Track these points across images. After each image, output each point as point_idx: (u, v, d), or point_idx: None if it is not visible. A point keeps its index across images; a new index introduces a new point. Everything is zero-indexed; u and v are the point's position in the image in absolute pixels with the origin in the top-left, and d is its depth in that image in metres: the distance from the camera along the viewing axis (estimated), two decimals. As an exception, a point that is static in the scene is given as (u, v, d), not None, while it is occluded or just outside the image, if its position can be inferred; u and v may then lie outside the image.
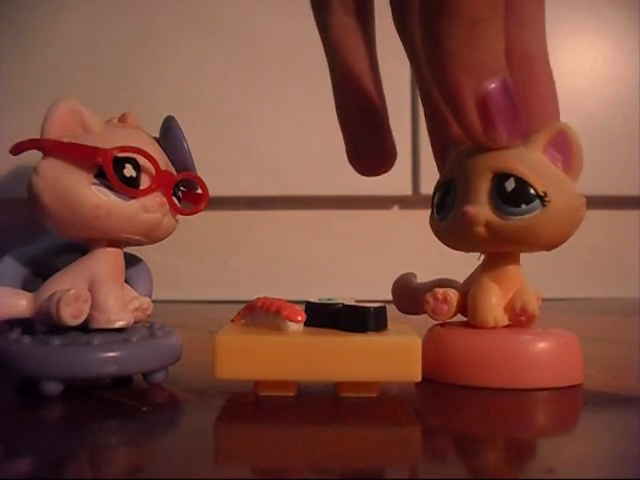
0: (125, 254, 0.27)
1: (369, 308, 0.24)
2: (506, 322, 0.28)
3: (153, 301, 0.28)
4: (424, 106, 0.31)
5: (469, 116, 0.24)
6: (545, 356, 0.26)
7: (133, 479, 0.17)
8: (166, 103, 0.70)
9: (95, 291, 0.25)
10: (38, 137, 0.25)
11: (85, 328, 0.25)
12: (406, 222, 0.74)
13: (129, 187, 0.25)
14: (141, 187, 0.25)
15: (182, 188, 0.28)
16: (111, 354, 0.24)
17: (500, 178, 0.26)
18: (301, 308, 0.25)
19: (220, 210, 0.73)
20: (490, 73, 0.24)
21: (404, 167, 0.71)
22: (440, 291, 0.28)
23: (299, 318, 0.24)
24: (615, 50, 0.73)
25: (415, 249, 0.72)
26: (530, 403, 0.24)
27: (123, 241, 0.26)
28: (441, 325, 0.29)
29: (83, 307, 0.24)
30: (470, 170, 0.27)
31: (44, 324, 0.25)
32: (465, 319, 0.29)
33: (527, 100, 0.26)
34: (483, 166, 0.26)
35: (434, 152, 0.32)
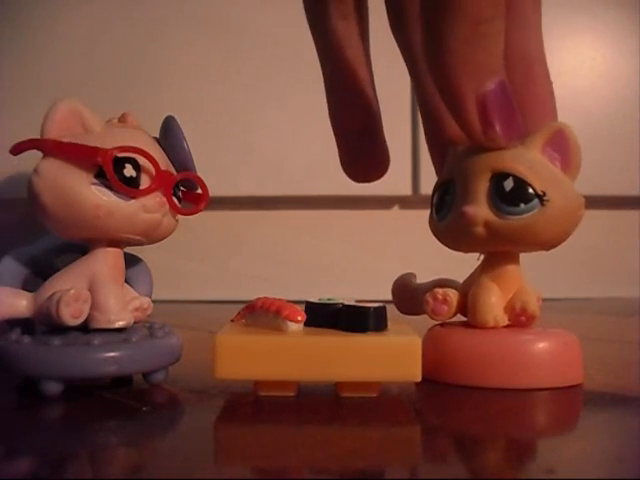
0: (125, 254, 0.27)
1: (369, 308, 0.24)
2: (506, 322, 0.28)
3: (153, 301, 0.28)
4: (421, 109, 0.31)
5: (470, 116, 0.24)
6: (545, 356, 0.26)
7: (133, 479, 0.17)
8: (167, 103, 0.70)
9: (95, 291, 0.25)
10: (38, 137, 0.25)
11: (85, 328, 0.25)
12: (406, 222, 0.74)
13: (129, 187, 0.25)
14: (141, 187, 0.25)
15: (182, 188, 0.28)
16: (111, 354, 0.24)
17: (499, 178, 0.26)
18: (301, 308, 0.25)
19: (220, 210, 0.73)
20: (490, 73, 0.24)
21: (404, 167, 0.71)
22: (440, 291, 0.28)
23: (299, 318, 0.24)
24: (615, 50, 0.73)
25: (415, 249, 0.72)
26: (530, 403, 0.24)
27: (123, 241, 0.26)
28: (441, 325, 0.29)
29: (83, 307, 0.24)
30: (469, 170, 0.27)
31: (44, 324, 0.25)
32: (465, 319, 0.29)
33: (524, 100, 0.26)
34: (482, 166, 0.26)
35: (432, 156, 0.31)
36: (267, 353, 0.23)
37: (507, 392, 0.25)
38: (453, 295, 0.28)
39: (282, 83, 0.72)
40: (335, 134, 0.32)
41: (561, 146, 0.26)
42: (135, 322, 0.26)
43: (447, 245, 0.29)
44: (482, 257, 0.29)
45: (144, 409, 0.23)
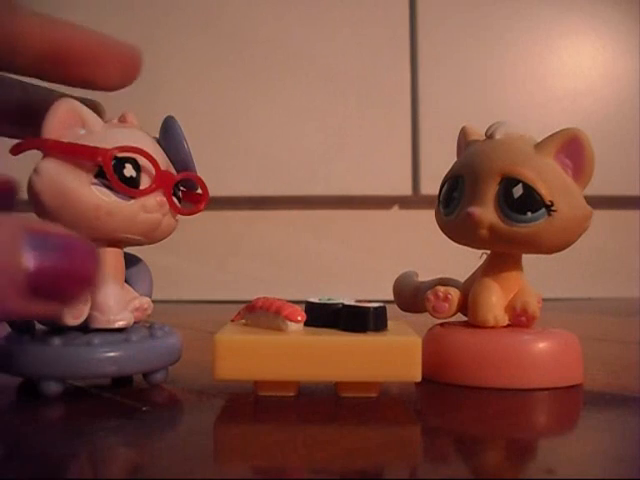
0: (125, 254, 0.27)
1: (369, 308, 0.24)
2: (506, 322, 0.28)
3: (153, 301, 0.28)
4: None
5: None
6: (545, 356, 0.26)
7: (133, 479, 0.17)
8: (166, 103, 0.70)
9: (95, 291, 0.25)
10: (38, 137, 0.25)
11: (85, 328, 0.25)
12: (406, 222, 0.74)
13: (129, 187, 0.25)
14: (141, 187, 0.25)
15: (182, 188, 0.28)
16: (111, 354, 0.24)
17: (508, 183, 0.26)
18: (301, 308, 0.25)
19: (219, 210, 0.73)
20: None
21: (404, 167, 0.71)
22: (441, 289, 0.28)
23: (299, 318, 0.24)
24: (615, 50, 0.73)
25: (415, 249, 0.72)
26: (530, 403, 0.24)
27: (123, 241, 0.26)
28: (441, 325, 0.29)
29: (83, 308, 0.24)
30: (479, 169, 0.27)
31: (44, 323, 0.25)
32: (465, 319, 0.29)
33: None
34: (492, 168, 0.26)
35: None
36: (267, 353, 0.23)
37: (507, 392, 0.25)
38: (454, 293, 0.28)
39: (282, 84, 0.72)
40: None
41: (575, 153, 0.26)
42: (135, 322, 0.26)
43: (452, 240, 0.29)
44: (484, 257, 0.29)
45: (144, 409, 0.23)
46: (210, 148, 0.70)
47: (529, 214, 0.25)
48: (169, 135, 0.27)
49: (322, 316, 0.25)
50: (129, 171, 0.25)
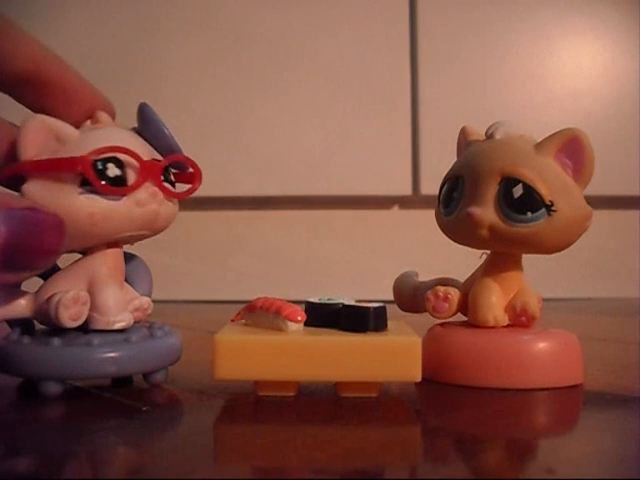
0: (125, 254, 0.27)
1: (369, 308, 0.24)
2: (506, 322, 0.28)
3: (153, 301, 0.28)
4: None
5: None
6: (545, 356, 0.26)
7: (133, 479, 0.17)
8: (167, 102, 0.70)
9: (94, 292, 0.25)
10: (15, 162, 0.24)
11: (85, 328, 0.25)
12: (406, 222, 0.74)
13: (116, 186, 0.24)
14: (129, 183, 0.25)
15: (173, 171, 0.27)
16: (111, 354, 0.24)
17: (508, 183, 0.26)
18: (301, 308, 0.25)
19: (220, 210, 0.73)
20: None
21: (404, 167, 0.71)
22: (441, 289, 0.28)
23: (299, 318, 0.24)
24: (615, 50, 0.73)
25: (415, 249, 0.72)
26: (530, 403, 0.24)
27: (126, 240, 0.26)
28: (441, 325, 0.29)
29: (82, 309, 0.24)
30: (479, 169, 0.27)
31: (44, 324, 0.25)
32: (465, 319, 0.29)
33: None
34: (492, 168, 0.26)
35: None
36: (267, 353, 0.23)
37: (507, 392, 0.25)
38: (454, 293, 0.28)
39: (282, 83, 0.72)
40: None
41: (575, 153, 0.26)
42: (135, 322, 0.26)
43: (452, 240, 0.29)
44: (484, 257, 0.29)
45: (144, 409, 0.23)
46: (211, 148, 0.70)
47: (529, 214, 0.25)
48: (147, 123, 0.26)
49: (322, 316, 0.25)
50: (112, 171, 0.24)
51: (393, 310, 0.27)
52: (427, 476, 0.17)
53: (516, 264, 0.28)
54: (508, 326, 0.28)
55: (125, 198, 0.25)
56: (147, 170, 0.25)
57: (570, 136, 0.26)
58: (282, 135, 0.72)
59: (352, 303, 0.25)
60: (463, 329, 0.28)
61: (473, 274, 0.29)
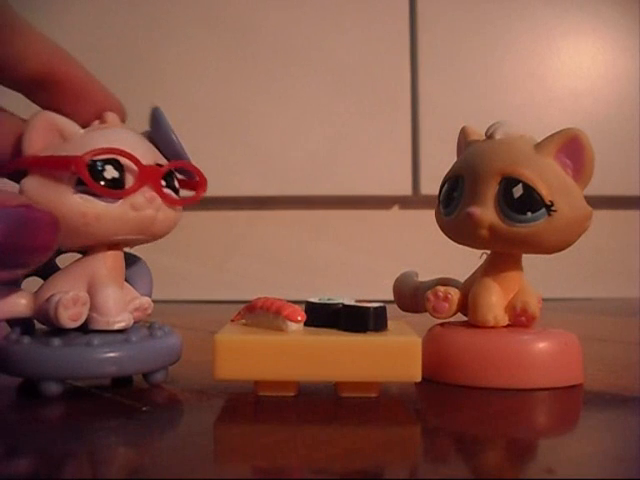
0: (125, 254, 0.27)
1: (369, 308, 0.24)
2: (506, 322, 0.28)
3: (153, 301, 0.28)
4: None
5: None
6: (545, 356, 0.26)
7: (133, 479, 0.17)
8: (168, 102, 0.70)
9: (94, 292, 0.25)
10: (18, 157, 0.24)
11: (85, 328, 0.25)
12: (406, 222, 0.74)
13: (113, 189, 0.24)
14: (127, 186, 0.25)
15: (179, 177, 0.27)
16: (111, 354, 0.24)
17: (508, 183, 0.26)
18: (301, 308, 0.25)
19: (220, 210, 0.73)
20: None
21: (404, 167, 0.71)
22: (441, 289, 0.28)
23: (299, 318, 0.24)
24: (615, 50, 0.73)
25: (415, 249, 0.72)
26: (530, 403, 0.24)
27: (121, 243, 0.26)
28: (441, 325, 0.29)
29: (82, 310, 0.24)
30: (479, 169, 0.27)
31: (43, 323, 0.25)
32: (465, 319, 0.29)
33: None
34: (492, 168, 0.26)
35: None
36: (267, 353, 0.23)
37: (507, 392, 0.25)
38: (454, 293, 0.28)
39: (282, 83, 0.72)
40: None
41: (575, 153, 0.26)
42: (135, 322, 0.26)
43: (452, 240, 0.29)
44: (484, 257, 0.29)
45: (144, 409, 0.23)
46: (211, 148, 0.70)
47: (529, 214, 0.25)
48: (156, 127, 0.26)
49: (322, 316, 0.25)
50: (110, 173, 0.24)
51: (393, 310, 0.27)
52: (427, 476, 0.17)
53: (516, 264, 0.28)
54: (508, 326, 0.28)
55: (121, 201, 0.24)
56: (145, 174, 0.25)
57: (570, 136, 0.26)
58: (282, 135, 0.72)
59: (352, 303, 0.25)
60: (463, 329, 0.28)
61: (473, 274, 0.29)
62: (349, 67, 0.72)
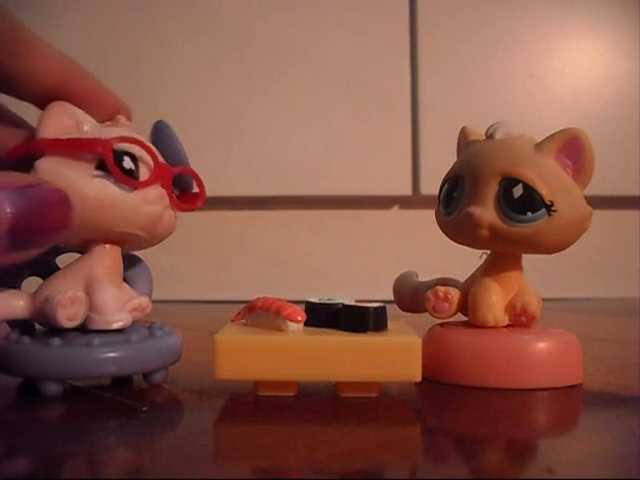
0: (125, 254, 0.27)
1: (369, 308, 0.24)
2: (506, 322, 0.28)
3: (153, 301, 0.28)
4: None
5: None
6: (545, 356, 0.26)
7: (133, 479, 0.17)
8: (166, 104, 0.70)
9: (92, 292, 0.25)
10: (34, 139, 0.25)
11: (85, 328, 0.25)
12: (406, 222, 0.74)
13: (129, 178, 0.25)
14: (140, 180, 0.25)
15: (179, 188, 0.28)
16: (111, 354, 0.24)
17: (508, 183, 0.26)
18: (301, 308, 0.25)
19: (220, 210, 0.73)
20: None
21: (404, 167, 0.71)
22: (441, 289, 0.28)
23: (299, 318, 0.24)
24: (615, 50, 0.73)
25: (415, 249, 0.72)
26: (530, 403, 0.24)
27: (126, 238, 0.26)
28: (441, 325, 0.29)
29: (79, 310, 0.24)
30: (479, 169, 0.27)
31: (42, 324, 0.25)
32: (465, 319, 0.29)
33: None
34: (492, 168, 0.26)
35: None
36: (267, 353, 0.23)
37: (507, 392, 0.25)
38: (454, 293, 0.28)
39: (282, 83, 0.72)
40: None
41: (575, 153, 0.26)
42: (134, 322, 0.26)
43: (452, 240, 0.29)
44: (484, 257, 0.29)
45: (144, 409, 0.23)
46: (210, 148, 0.70)
47: (529, 214, 0.25)
48: (161, 139, 0.27)
49: (322, 316, 0.25)
50: (128, 164, 0.25)
51: (393, 310, 0.27)
52: (427, 476, 0.17)
53: (516, 264, 0.28)
54: (508, 326, 0.28)
55: (135, 192, 0.25)
56: (160, 171, 0.25)
57: (570, 136, 0.26)
58: (281, 135, 0.72)
59: (352, 303, 0.25)
60: (463, 329, 0.28)
61: (473, 274, 0.29)
62: (349, 67, 0.72)
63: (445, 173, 0.29)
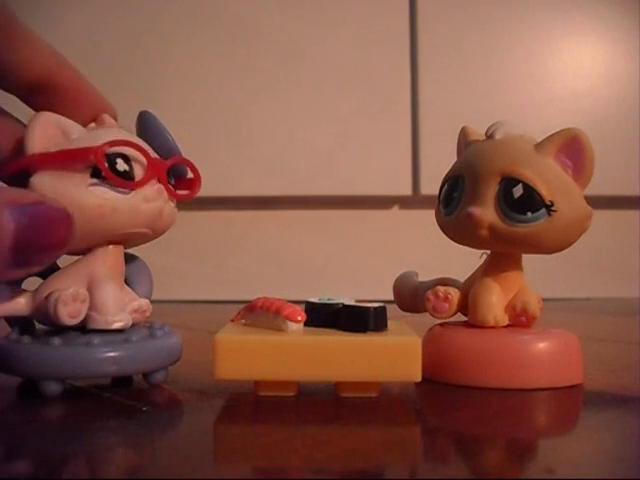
0: (126, 254, 0.27)
1: (369, 308, 0.24)
2: (506, 322, 0.28)
3: (153, 301, 0.28)
4: None
5: None
6: (545, 356, 0.26)
7: (133, 479, 0.17)
8: (168, 102, 0.70)
9: (93, 291, 0.25)
10: (24, 155, 0.24)
11: (85, 328, 0.25)
12: (406, 222, 0.74)
13: (125, 180, 0.25)
14: (137, 179, 0.25)
15: (174, 176, 0.28)
16: (111, 354, 0.24)
17: (508, 183, 0.26)
18: (301, 308, 0.25)
19: (220, 210, 0.73)
20: None
21: (404, 167, 0.71)
22: (441, 289, 0.28)
23: (299, 318, 0.24)
24: (615, 51, 0.73)
25: (415, 249, 0.72)
26: (530, 403, 0.24)
27: (131, 238, 0.26)
28: (441, 325, 0.29)
29: (81, 307, 0.24)
30: (479, 169, 0.27)
31: (42, 322, 0.25)
32: (465, 319, 0.29)
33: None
34: (492, 168, 0.26)
35: None
36: (267, 353, 0.23)
37: (507, 392, 0.25)
38: (454, 293, 0.28)
39: (282, 83, 0.72)
40: None
41: (575, 153, 0.26)
42: (134, 324, 0.26)
43: (452, 240, 0.29)
44: (484, 257, 0.29)
45: (144, 409, 0.23)
46: (211, 148, 0.70)
47: (529, 214, 0.25)
48: (149, 128, 0.27)
49: (322, 316, 0.25)
50: (121, 165, 0.25)
51: (393, 310, 0.27)
52: (427, 476, 0.17)
53: (516, 264, 0.28)
54: (508, 326, 0.28)
55: (133, 193, 0.25)
56: (154, 167, 0.25)
57: (570, 136, 0.26)
58: (282, 135, 0.72)
59: (352, 303, 0.25)
60: (463, 329, 0.28)
61: (473, 274, 0.29)
62: (349, 67, 0.72)
63: (445, 173, 0.29)
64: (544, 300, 0.29)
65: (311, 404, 0.24)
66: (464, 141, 0.29)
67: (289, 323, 0.24)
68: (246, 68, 0.72)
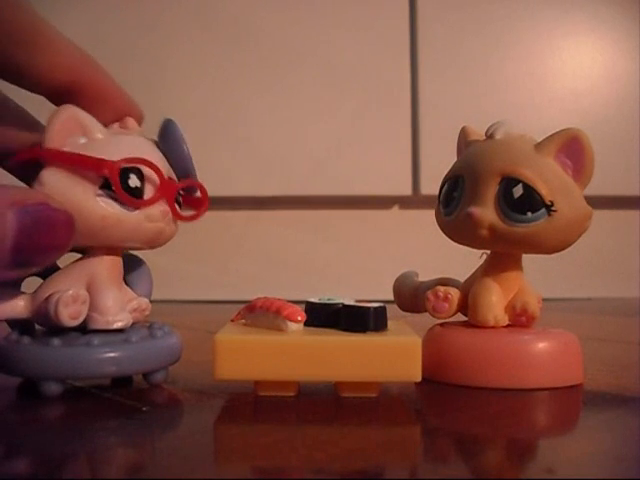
0: (126, 255, 0.27)
1: (369, 308, 0.24)
2: (506, 322, 0.28)
3: (153, 301, 0.28)
4: None
5: None
6: (545, 356, 0.26)
7: (133, 479, 0.17)
8: (167, 102, 0.70)
9: (93, 292, 0.25)
10: (38, 147, 0.24)
11: (85, 328, 0.25)
12: (406, 222, 0.74)
13: (133, 197, 0.25)
14: (145, 196, 0.25)
15: (182, 192, 0.28)
16: (111, 354, 0.24)
17: (508, 183, 0.26)
18: (301, 308, 0.25)
19: (220, 210, 0.73)
20: None
21: (404, 167, 0.71)
22: (441, 289, 0.28)
23: (299, 318, 0.24)
24: (615, 51, 0.73)
25: (415, 249, 0.72)
26: (530, 403, 0.24)
27: (126, 248, 0.26)
28: (441, 325, 0.29)
29: (81, 308, 0.24)
30: (479, 169, 0.27)
31: (42, 324, 0.25)
32: (465, 319, 0.29)
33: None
34: (492, 168, 0.26)
35: None
36: (267, 353, 0.23)
37: (507, 392, 0.25)
38: (454, 293, 0.28)
39: (282, 83, 0.72)
40: None
41: (575, 153, 0.26)
42: (133, 323, 0.26)
43: (452, 240, 0.29)
44: (484, 257, 0.29)
45: (144, 409, 0.23)
46: (210, 148, 0.70)
47: (529, 214, 0.25)
48: (169, 139, 0.27)
49: (322, 316, 0.25)
50: (134, 181, 0.25)
51: (393, 310, 0.27)
52: (427, 476, 0.17)
53: (516, 264, 0.28)
54: (508, 326, 0.28)
55: (138, 211, 0.25)
56: (164, 189, 0.25)
57: (570, 136, 0.26)
58: (282, 135, 0.72)
59: (352, 303, 0.25)
60: (463, 329, 0.28)
61: (473, 274, 0.29)
62: (349, 67, 0.72)
63: (445, 173, 0.29)
64: (544, 300, 0.29)
65: (311, 404, 0.24)
66: (464, 141, 0.29)
67: (289, 323, 0.24)
68: (246, 68, 0.72)
